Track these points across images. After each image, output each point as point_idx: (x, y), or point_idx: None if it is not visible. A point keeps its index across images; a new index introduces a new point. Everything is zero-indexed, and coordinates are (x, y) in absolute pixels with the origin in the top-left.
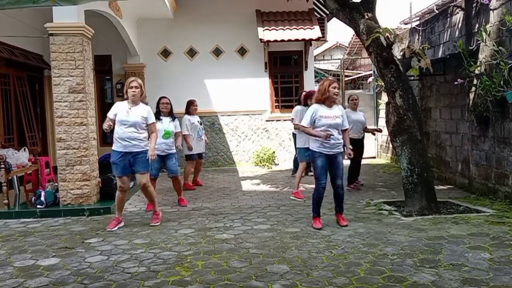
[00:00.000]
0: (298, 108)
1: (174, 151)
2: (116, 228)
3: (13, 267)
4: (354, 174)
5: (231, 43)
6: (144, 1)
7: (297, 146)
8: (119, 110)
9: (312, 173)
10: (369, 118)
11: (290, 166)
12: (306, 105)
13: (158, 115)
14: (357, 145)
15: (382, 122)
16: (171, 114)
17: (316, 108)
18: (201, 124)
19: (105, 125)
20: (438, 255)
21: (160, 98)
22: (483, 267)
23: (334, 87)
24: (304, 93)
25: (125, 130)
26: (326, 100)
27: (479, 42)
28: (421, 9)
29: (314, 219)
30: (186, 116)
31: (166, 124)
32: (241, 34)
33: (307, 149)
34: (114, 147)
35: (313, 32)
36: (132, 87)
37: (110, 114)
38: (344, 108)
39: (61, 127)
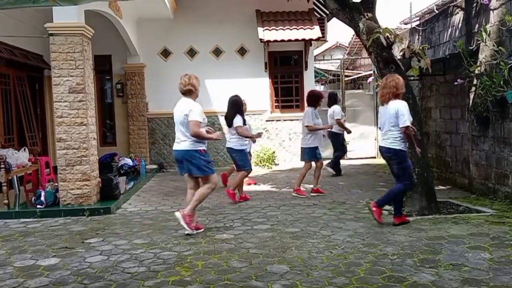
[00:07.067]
0: (308, 110)
1: None
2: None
3: (13, 267)
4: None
5: (231, 43)
6: (144, 1)
7: (305, 147)
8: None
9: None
10: (369, 118)
11: (290, 166)
12: (313, 106)
13: (242, 114)
14: None
15: None
16: None
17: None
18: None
19: (214, 135)
20: (438, 255)
21: (240, 98)
22: (483, 267)
23: None
24: (312, 93)
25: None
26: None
27: (479, 42)
28: (421, 9)
29: (402, 217)
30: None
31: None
32: (241, 34)
33: (316, 148)
34: (204, 147)
35: (313, 32)
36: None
37: (201, 118)
38: (344, 109)
39: (61, 127)
